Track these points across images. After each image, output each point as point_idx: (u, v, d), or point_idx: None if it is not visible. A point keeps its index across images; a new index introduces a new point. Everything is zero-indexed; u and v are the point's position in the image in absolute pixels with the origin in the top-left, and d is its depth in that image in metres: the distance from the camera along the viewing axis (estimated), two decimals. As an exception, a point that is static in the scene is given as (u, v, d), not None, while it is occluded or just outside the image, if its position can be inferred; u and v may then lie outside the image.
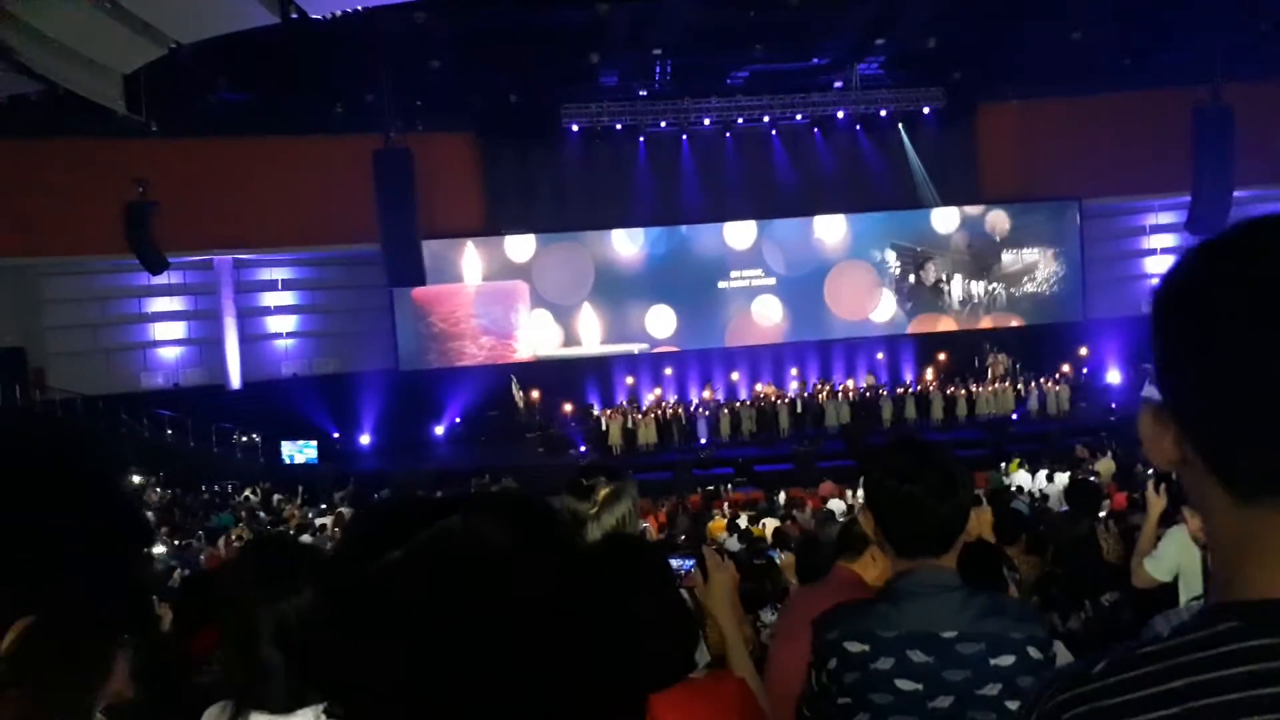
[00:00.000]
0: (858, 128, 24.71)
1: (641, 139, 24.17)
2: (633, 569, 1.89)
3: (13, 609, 0.71)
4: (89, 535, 0.77)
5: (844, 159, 25.02)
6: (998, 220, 25.53)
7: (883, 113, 24.28)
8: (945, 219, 25.45)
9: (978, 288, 25.61)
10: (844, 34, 21.00)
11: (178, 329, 23.92)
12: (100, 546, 0.77)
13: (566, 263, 24.61)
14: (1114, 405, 22.63)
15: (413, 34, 17.80)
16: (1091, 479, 12.15)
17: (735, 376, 24.90)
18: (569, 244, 24.66)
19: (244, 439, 21.80)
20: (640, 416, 22.59)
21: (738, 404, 23.25)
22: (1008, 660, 1.83)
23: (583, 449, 21.88)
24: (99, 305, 22.92)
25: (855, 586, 2.83)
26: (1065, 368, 24.10)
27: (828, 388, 23.82)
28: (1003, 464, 16.28)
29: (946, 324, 25.74)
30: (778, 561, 6.60)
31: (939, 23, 20.21)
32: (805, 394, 23.69)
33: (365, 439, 23.28)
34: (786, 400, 23.27)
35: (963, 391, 23.14)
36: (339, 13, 15.65)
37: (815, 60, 23.06)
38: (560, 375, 24.02)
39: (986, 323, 25.69)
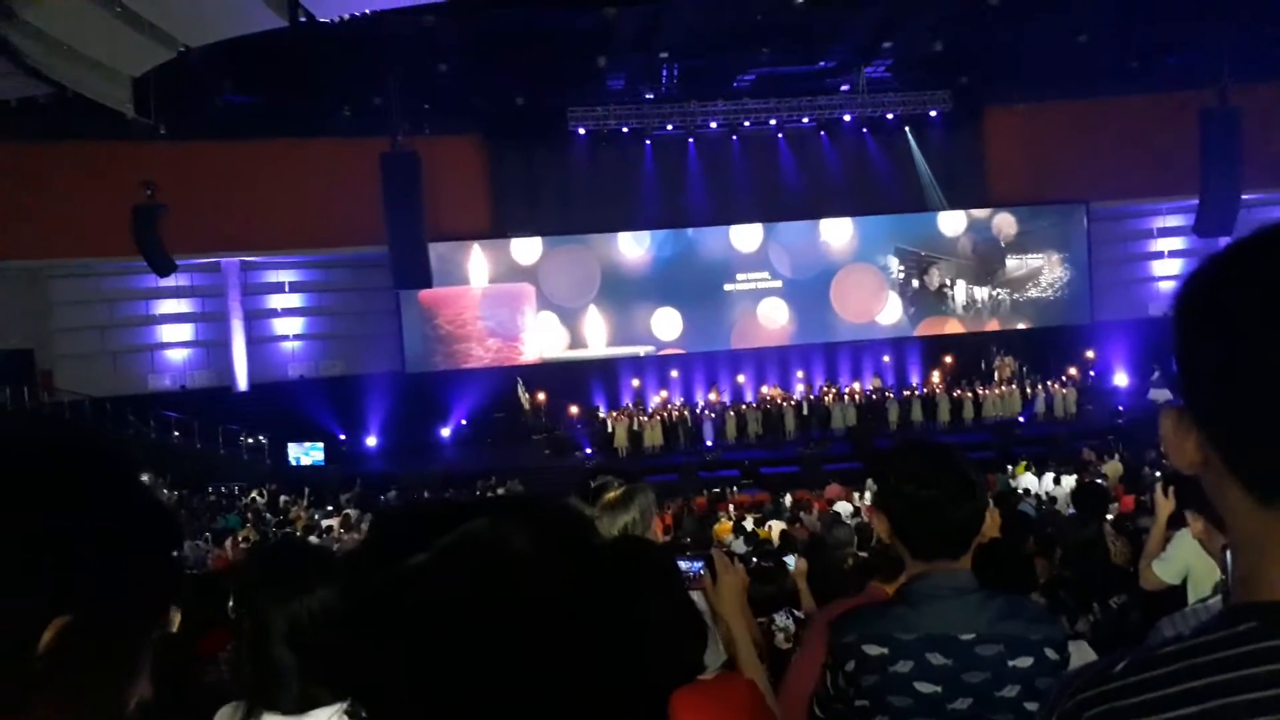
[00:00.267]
0: (864, 131, 24.70)
1: (648, 142, 24.18)
2: (640, 571, 1.90)
3: (49, 609, 0.72)
4: (122, 537, 0.78)
5: (850, 162, 25.01)
6: (1004, 224, 25.49)
7: (889, 116, 24.25)
8: (952, 222, 25.42)
9: (981, 293, 25.58)
10: (850, 37, 20.99)
11: (185, 331, 23.99)
12: (132, 548, 0.79)
13: (573, 265, 24.63)
14: (1121, 408, 22.59)
15: (420, 37, 17.83)
16: (1099, 481, 12.13)
17: (741, 379, 24.88)
18: (575, 246, 24.68)
19: (250, 441, 21.83)
20: (646, 419, 22.59)
21: (744, 406, 23.24)
22: (1026, 662, 1.83)
23: (588, 451, 21.88)
24: (107, 307, 22.99)
25: None
26: (1072, 370, 24.05)
27: (834, 390, 23.79)
28: (1009, 466, 16.25)
29: (953, 326, 25.70)
30: (789, 567, 6.60)
31: (945, 26, 20.19)
32: (811, 396, 23.66)
33: (372, 441, 23.32)
34: (792, 403, 23.25)
35: (969, 394, 23.10)
36: (346, 16, 15.69)
37: (822, 63, 23.05)
38: (566, 377, 24.02)
39: (993, 325, 25.65)
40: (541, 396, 23.87)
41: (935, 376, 24.34)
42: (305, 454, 21.81)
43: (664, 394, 24.31)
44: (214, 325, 23.87)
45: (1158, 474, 12.31)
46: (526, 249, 24.45)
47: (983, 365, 24.67)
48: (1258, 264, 0.76)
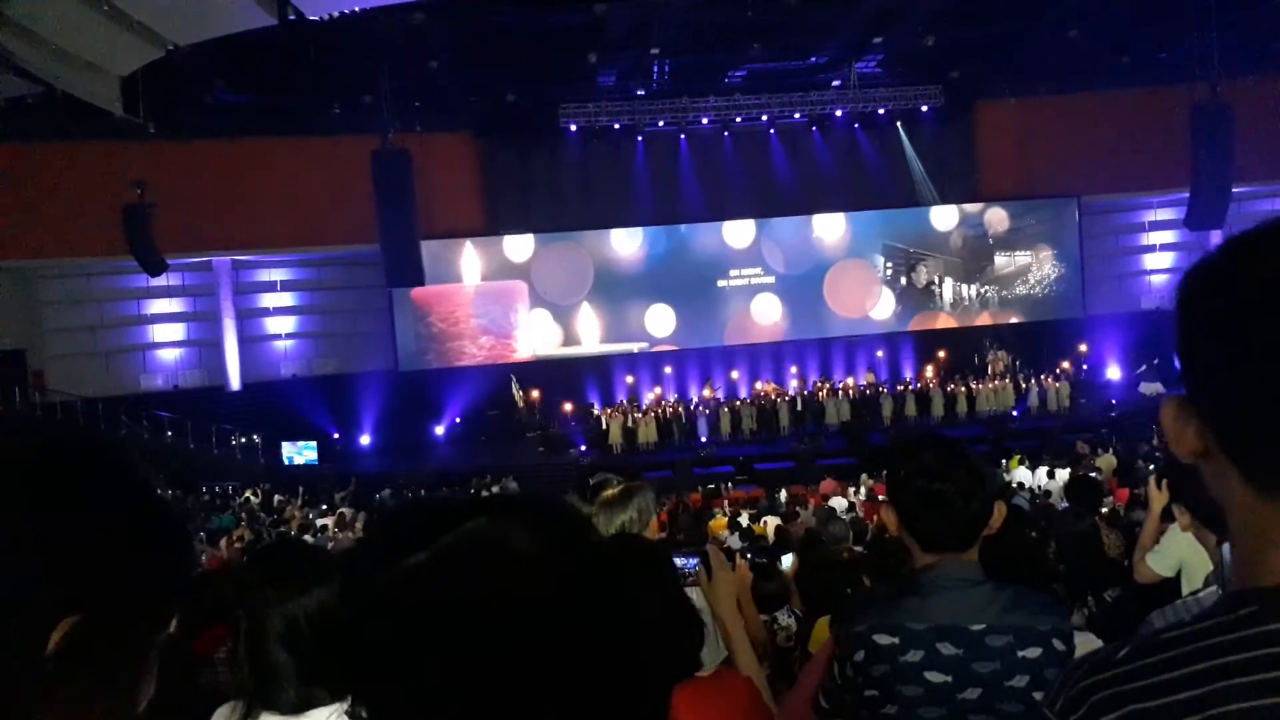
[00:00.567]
0: (856, 126, 24.73)
1: (640, 138, 24.18)
2: (637, 569, 1.89)
3: (60, 609, 0.72)
4: (130, 538, 0.78)
5: (843, 158, 25.04)
6: (996, 218, 25.55)
7: (881, 111, 24.30)
8: (944, 217, 25.47)
9: (969, 291, 25.64)
10: (842, 32, 21.00)
11: (177, 331, 23.92)
12: (141, 549, 0.79)
13: (565, 262, 24.62)
14: (1114, 401, 22.68)
15: (411, 34, 17.79)
16: (1092, 475, 12.16)
17: (735, 375, 24.92)
18: (568, 243, 24.67)
19: (244, 440, 21.81)
20: (640, 415, 22.60)
21: (738, 402, 23.28)
22: (1035, 652, 1.86)
23: (583, 448, 21.89)
24: (98, 307, 22.92)
25: None
26: (1065, 364, 24.14)
27: (828, 385, 23.85)
28: (1003, 460, 16.30)
29: (946, 321, 25.77)
30: (782, 565, 6.61)
31: (937, 21, 20.21)
32: (805, 392, 23.72)
33: (365, 439, 23.29)
34: (787, 398, 23.29)
35: (963, 388, 23.17)
36: (337, 14, 15.64)
37: (813, 59, 23.06)
38: (560, 375, 24.03)
39: (985, 320, 25.72)
40: (535, 394, 23.88)
41: (929, 371, 24.42)
42: (299, 453, 21.80)
43: (658, 390, 24.34)
44: (206, 324, 23.81)
45: (1151, 467, 12.36)
46: (519, 246, 24.44)
47: (976, 360, 24.75)
48: (1261, 256, 0.76)
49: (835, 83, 24.12)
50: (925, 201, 25.38)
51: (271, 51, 17.15)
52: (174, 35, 15.45)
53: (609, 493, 2.66)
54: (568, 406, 23.74)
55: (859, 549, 7.15)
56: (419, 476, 19.86)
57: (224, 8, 14.67)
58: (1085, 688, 0.79)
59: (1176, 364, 0.81)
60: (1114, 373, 24.94)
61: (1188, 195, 21.22)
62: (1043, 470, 14.82)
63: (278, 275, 24.64)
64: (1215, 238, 21.80)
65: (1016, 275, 25.70)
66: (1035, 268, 25.66)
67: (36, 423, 19.86)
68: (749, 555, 7.33)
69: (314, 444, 21.85)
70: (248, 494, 18.56)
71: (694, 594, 2.25)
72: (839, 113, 24.28)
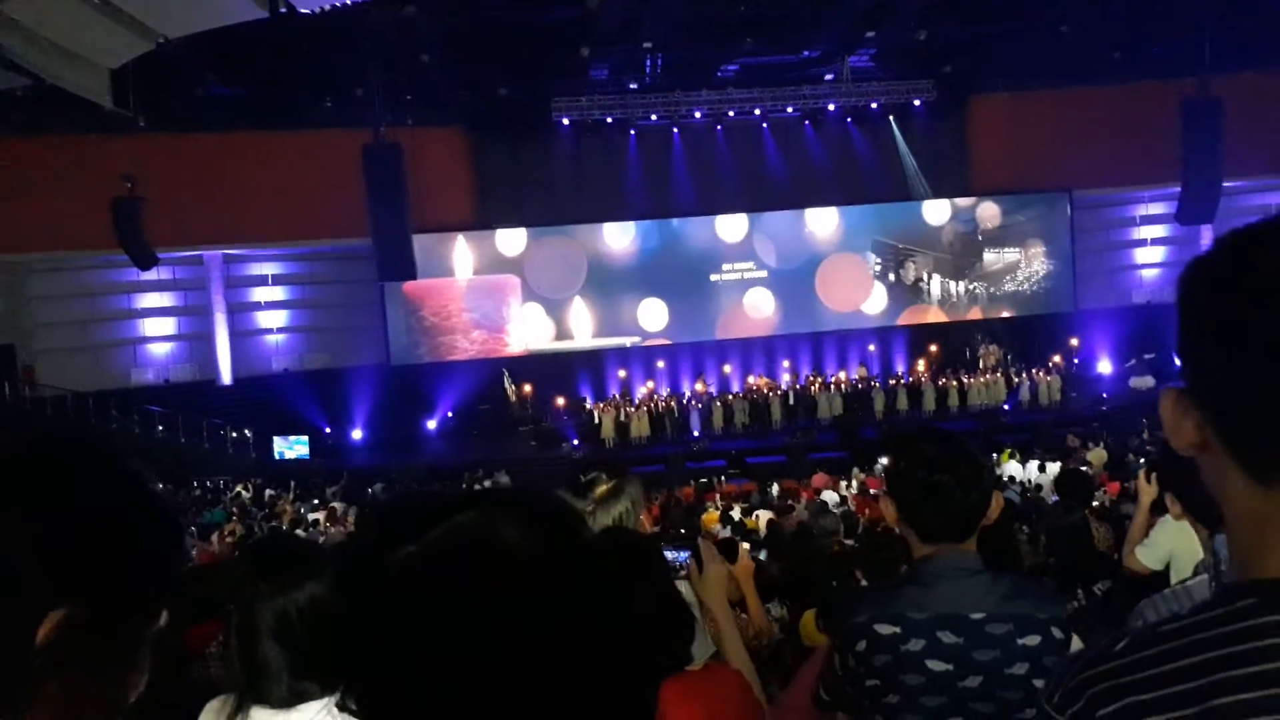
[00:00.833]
0: (849, 120, 24.74)
1: (632, 132, 24.14)
2: (628, 563, 1.90)
3: (50, 602, 0.72)
4: (124, 531, 0.78)
5: (835, 152, 25.04)
6: (988, 212, 25.60)
7: (873, 105, 24.29)
8: (936, 211, 25.50)
9: (957, 287, 25.69)
10: (834, 26, 20.98)
11: (168, 325, 23.83)
12: (133, 543, 0.79)
13: (558, 256, 24.58)
14: (1105, 395, 22.77)
15: (402, 27, 17.72)
16: (1083, 469, 12.21)
17: (727, 369, 24.93)
18: (560, 237, 24.64)
19: (235, 435, 21.74)
20: (633, 409, 22.60)
21: (730, 396, 23.29)
22: (1034, 640, 1.88)
23: (575, 442, 21.89)
24: (88, 301, 22.82)
25: None
26: (1056, 358, 24.20)
27: (820, 380, 23.88)
28: (994, 454, 16.34)
29: (937, 315, 25.81)
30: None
31: (929, 15, 20.21)
32: (797, 386, 23.74)
33: (357, 434, 23.25)
34: (779, 392, 23.31)
35: (954, 382, 23.23)
36: (328, 6, 15.58)
37: (806, 53, 23.03)
38: (552, 369, 24.01)
39: (976, 314, 25.77)
40: (528, 388, 23.87)
41: (920, 365, 24.46)
42: (290, 447, 21.75)
43: (650, 385, 24.34)
44: (197, 319, 23.72)
45: (1142, 460, 12.41)
46: (511, 240, 24.40)
47: (968, 354, 24.80)
48: (1261, 250, 0.77)
49: (828, 77, 24.12)
50: (918, 195, 25.40)
51: (262, 44, 17.07)
52: (164, 28, 15.38)
53: (602, 488, 2.66)
54: (560, 401, 23.73)
55: (850, 542, 7.18)
56: (411, 471, 19.83)
57: (215, 0, 14.61)
58: (1083, 680, 0.80)
59: (1174, 357, 0.82)
60: (1105, 367, 25.03)
61: (1179, 190, 21.29)
62: (1034, 464, 14.90)
63: (269, 269, 24.56)
64: (1206, 232, 21.90)
65: (1005, 272, 25.76)
66: (1024, 264, 25.72)
67: (27, 417, 19.78)
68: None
69: (305, 438, 21.80)
70: (239, 489, 18.51)
71: (683, 587, 2.25)
72: (831, 107, 24.28)
